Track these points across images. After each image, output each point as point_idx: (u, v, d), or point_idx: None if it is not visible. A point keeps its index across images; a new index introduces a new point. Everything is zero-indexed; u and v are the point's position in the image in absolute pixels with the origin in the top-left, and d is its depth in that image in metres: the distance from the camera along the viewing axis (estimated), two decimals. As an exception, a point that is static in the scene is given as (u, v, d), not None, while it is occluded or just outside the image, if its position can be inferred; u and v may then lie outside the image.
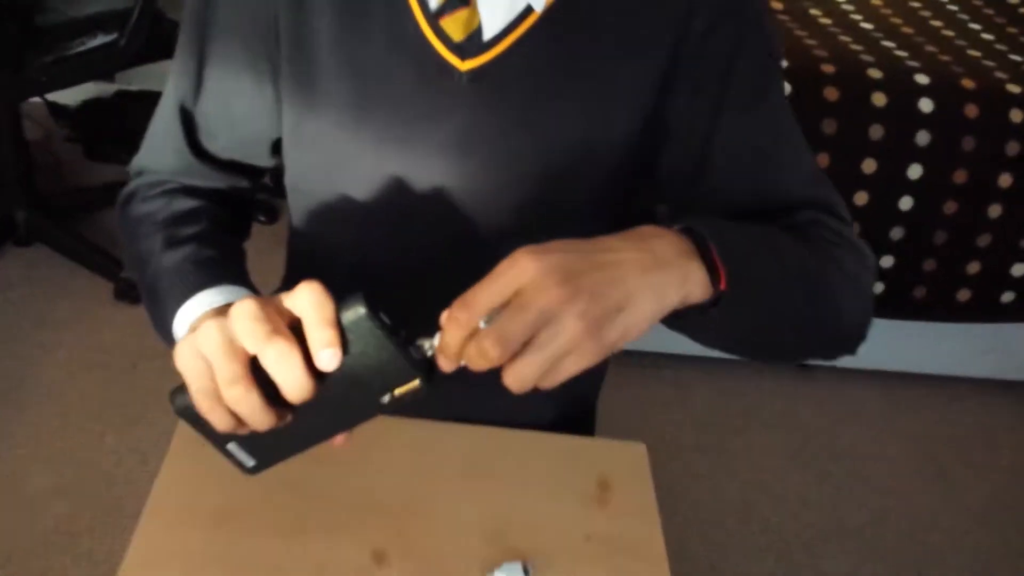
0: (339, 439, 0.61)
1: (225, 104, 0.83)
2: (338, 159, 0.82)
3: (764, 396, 2.20)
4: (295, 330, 0.54)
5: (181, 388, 0.58)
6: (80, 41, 1.96)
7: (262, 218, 2.42)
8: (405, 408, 0.59)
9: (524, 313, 0.53)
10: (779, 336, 0.74)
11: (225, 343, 0.53)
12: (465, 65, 0.76)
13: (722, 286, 0.62)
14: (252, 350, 0.53)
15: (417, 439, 0.89)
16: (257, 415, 0.54)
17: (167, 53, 2.18)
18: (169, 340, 0.76)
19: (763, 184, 0.81)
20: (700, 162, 0.81)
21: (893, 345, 2.19)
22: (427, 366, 0.58)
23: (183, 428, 0.85)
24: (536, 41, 0.76)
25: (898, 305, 1.99)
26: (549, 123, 0.79)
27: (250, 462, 0.62)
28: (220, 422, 0.55)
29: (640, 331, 0.57)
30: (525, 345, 0.54)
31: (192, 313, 0.71)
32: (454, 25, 0.75)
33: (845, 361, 2.27)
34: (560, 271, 0.54)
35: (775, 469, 2.03)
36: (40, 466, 1.75)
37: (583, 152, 0.81)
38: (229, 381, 0.53)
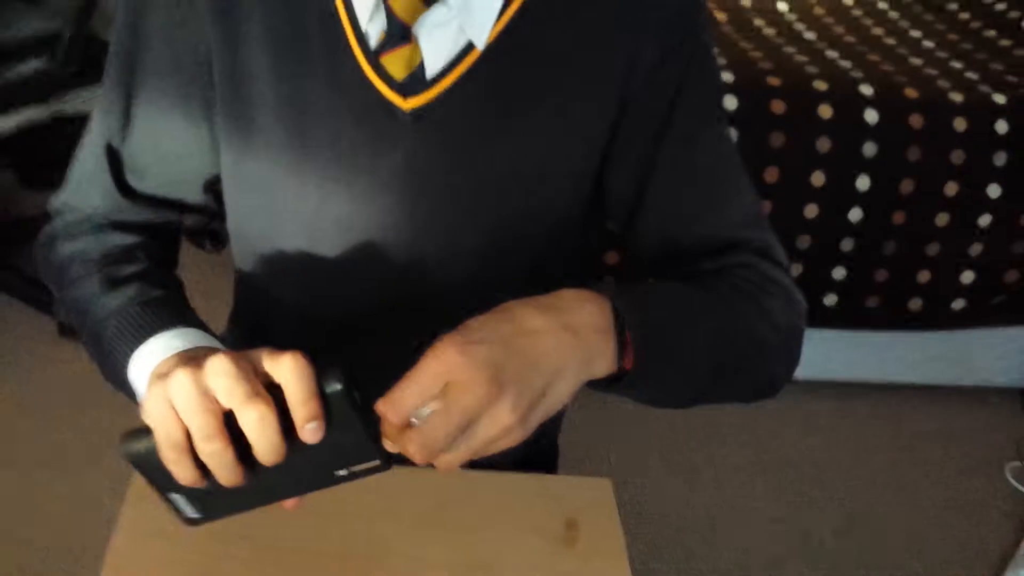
0: (289, 503, 0.61)
1: (155, 143, 0.79)
2: (280, 200, 0.79)
3: (722, 411, 2.20)
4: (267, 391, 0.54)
5: (136, 433, 0.57)
6: (10, 67, 1.92)
7: (209, 246, 2.37)
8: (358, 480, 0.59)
9: (451, 416, 0.55)
10: (694, 396, 0.76)
11: (200, 397, 0.53)
12: (408, 104, 0.75)
13: (627, 366, 0.64)
14: (230, 406, 0.53)
15: (379, 482, 0.85)
16: (228, 471, 0.54)
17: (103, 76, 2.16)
18: (120, 387, 0.73)
19: (699, 219, 0.81)
20: (641, 191, 0.80)
21: (843, 355, 2.20)
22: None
23: (139, 479, 0.82)
24: (479, 78, 0.74)
25: (851, 316, 2.01)
26: (497, 160, 0.77)
27: (194, 514, 0.61)
28: (184, 474, 0.54)
29: (560, 407, 0.60)
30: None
31: (149, 360, 0.68)
32: (396, 63, 0.74)
33: (800, 373, 2.27)
34: (487, 367, 0.55)
35: (737, 484, 2.03)
36: (-16, 515, 1.69)
37: (535, 188, 0.80)
38: (206, 437, 0.53)
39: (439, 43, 0.73)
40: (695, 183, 0.80)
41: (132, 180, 0.82)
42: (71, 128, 2.59)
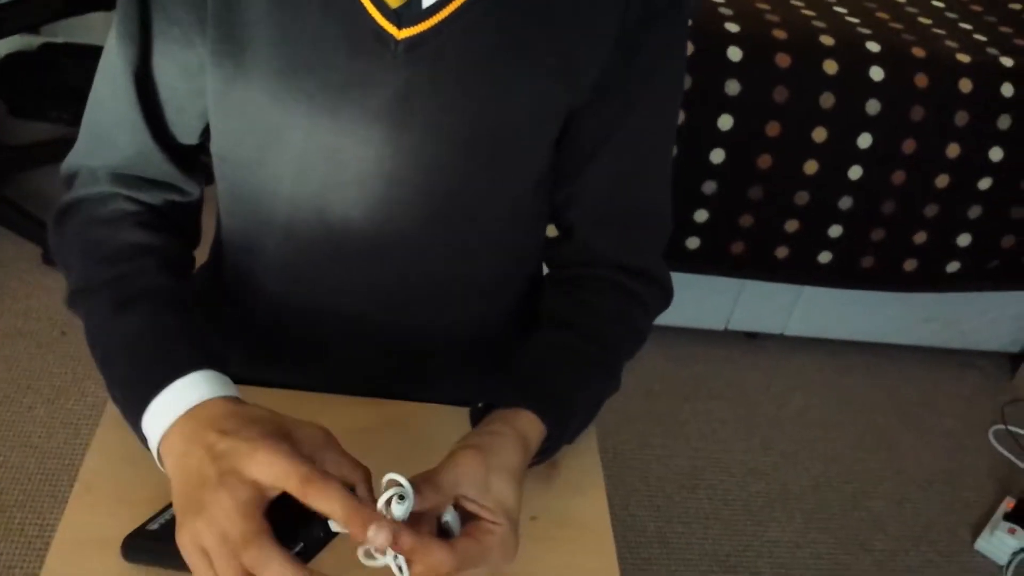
0: None
1: (175, 74, 0.77)
2: (268, 128, 0.77)
3: (713, 364, 2.21)
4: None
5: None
6: (0, -9, 1.87)
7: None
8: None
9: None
10: None
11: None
12: (402, 33, 0.72)
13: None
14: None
15: (366, 417, 0.85)
16: None
17: (94, 5, 2.10)
18: (128, 418, 0.70)
19: (635, 185, 0.86)
20: (596, 147, 0.82)
21: (837, 313, 2.22)
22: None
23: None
24: (478, 11, 0.72)
25: (846, 274, 2.00)
26: (488, 95, 0.76)
27: None
28: None
29: None
30: None
31: (165, 416, 0.66)
32: None
33: (792, 329, 2.31)
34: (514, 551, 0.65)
35: (722, 438, 2.04)
36: (-36, 439, 1.68)
37: (525, 124, 0.79)
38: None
39: None
40: (643, 153, 0.84)
41: (169, 112, 0.79)
42: (61, 57, 2.56)
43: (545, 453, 0.77)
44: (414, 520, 0.60)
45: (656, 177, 0.88)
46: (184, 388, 0.67)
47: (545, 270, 0.97)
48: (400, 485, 0.58)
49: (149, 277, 0.76)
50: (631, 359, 0.89)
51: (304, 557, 0.59)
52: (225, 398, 0.66)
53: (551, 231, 0.94)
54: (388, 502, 0.58)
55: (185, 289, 0.79)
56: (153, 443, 0.67)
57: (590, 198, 0.86)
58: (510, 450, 0.70)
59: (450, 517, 0.64)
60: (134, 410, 0.68)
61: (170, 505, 0.66)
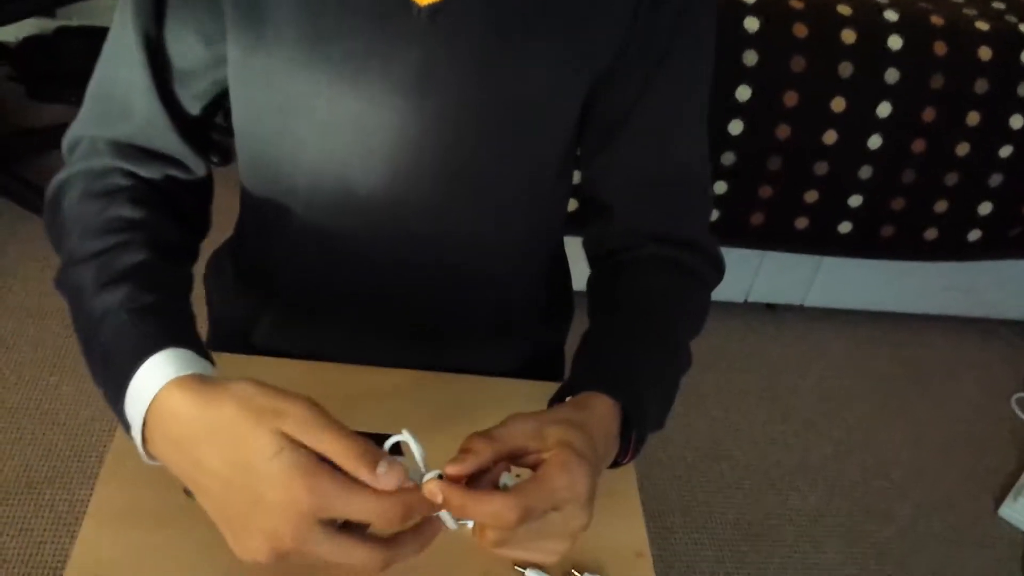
0: None
1: (190, 42, 0.77)
2: (291, 96, 0.77)
3: (733, 336, 2.21)
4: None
5: None
6: (18, -26, 1.87)
7: (214, 159, 2.34)
8: None
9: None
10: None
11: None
12: (425, 0, 0.72)
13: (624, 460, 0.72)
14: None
15: (388, 387, 0.86)
16: None
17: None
18: (110, 400, 0.66)
19: (669, 151, 0.84)
20: (624, 114, 0.81)
21: (858, 283, 2.21)
22: None
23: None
24: None
25: (867, 244, 1.99)
26: (512, 64, 0.75)
27: None
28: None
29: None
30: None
31: (145, 390, 0.62)
32: None
33: (812, 300, 2.29)
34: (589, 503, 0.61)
35: (743, 408, 2.04)
36: (-6, 418, 1.70)
37: (548, 95, 0.78)
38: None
39: None
40: (674, 115, 0.83)
41: (178, 81, 0.78)
42: (77, 41, 2.56)
43: (629, 439, 0.71)
44: (471, 485, 0.58)
45: (690, 142, 0.86)
46: (153, 368, 0.62)
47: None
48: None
49: (136, 254, 0.71)
50: (697, 334, 0.85)
51: None
52: (183, 383, 0.60)
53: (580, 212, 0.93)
54: (392, 449, 0.57)
55: (170, 269, 0.74)
56: (136, 431, 0.63)
57: (623, 170, 0.84)
58: (569, 409, 0.67)
59: (509, 480, 0.60)
60: (113, 397, 0.65)
61: None
